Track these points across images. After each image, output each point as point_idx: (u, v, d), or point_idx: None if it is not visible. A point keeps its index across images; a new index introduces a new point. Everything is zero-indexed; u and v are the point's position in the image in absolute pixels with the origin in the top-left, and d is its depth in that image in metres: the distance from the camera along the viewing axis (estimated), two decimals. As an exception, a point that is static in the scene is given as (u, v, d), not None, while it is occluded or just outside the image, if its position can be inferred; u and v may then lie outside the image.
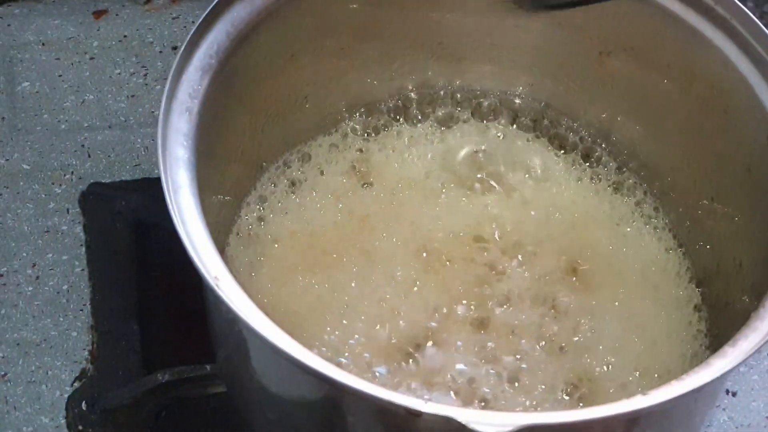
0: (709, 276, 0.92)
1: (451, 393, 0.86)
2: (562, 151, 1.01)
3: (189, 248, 0.74)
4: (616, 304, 0.92)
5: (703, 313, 0.91)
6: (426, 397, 0.85)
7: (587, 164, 1.00)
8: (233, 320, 0.74)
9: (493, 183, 0.99)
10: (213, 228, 0.84)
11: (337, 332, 0.89)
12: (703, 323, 0.91)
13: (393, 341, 0.89)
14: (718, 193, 0.91)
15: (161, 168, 0.77)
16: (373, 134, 1.02)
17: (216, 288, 0.72)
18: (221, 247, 0.92)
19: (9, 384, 0.96)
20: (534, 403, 0.85)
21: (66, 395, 0.95)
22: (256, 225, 0.95)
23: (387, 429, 0.75)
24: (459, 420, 0.66)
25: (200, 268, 0.73)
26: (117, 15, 1.21)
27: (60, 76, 1.16)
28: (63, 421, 0.94)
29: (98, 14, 1.21)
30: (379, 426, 0.75)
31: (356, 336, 0.89)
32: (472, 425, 0.66)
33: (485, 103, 1.03)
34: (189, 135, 0.80)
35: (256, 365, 0.81)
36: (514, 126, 1.03)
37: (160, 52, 1.18)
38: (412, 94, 1.02)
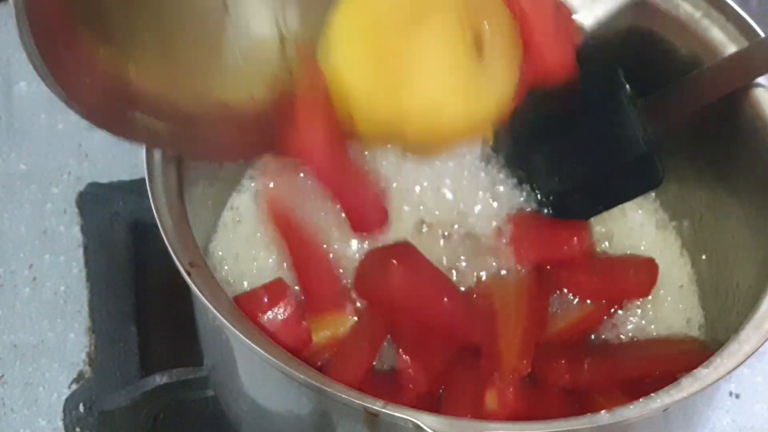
0: (711, 295, 0.92)
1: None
2: None
3: (162, 230, 0.73)
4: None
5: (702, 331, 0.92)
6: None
7: None
8: (204, 309, 0.73)
9: None
10: (207, 205, 0.83)
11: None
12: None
13: None
14: (722, 213, 0.90)
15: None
16: None
17: (186, 275, 0.71)
18: (212, 227, 0.91)
19: (6, 386, 0.96)
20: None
21: (63, 397, 0.95)
22: (252, 206, 0.94)
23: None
24: (417, 423, 0.66)
25: (172, 252, 0.72)
26: (114, 14, 1.21)
27: (57, 76, 1.15)
28: (60, 424, 0.94)
29: (96, 14, 1.20)
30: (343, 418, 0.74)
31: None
32: (428, 430, 0.66)
33: None
34: None
35: (239, 364, 0.80)
36: None
37: (158, 51, 1.18)
38: None
